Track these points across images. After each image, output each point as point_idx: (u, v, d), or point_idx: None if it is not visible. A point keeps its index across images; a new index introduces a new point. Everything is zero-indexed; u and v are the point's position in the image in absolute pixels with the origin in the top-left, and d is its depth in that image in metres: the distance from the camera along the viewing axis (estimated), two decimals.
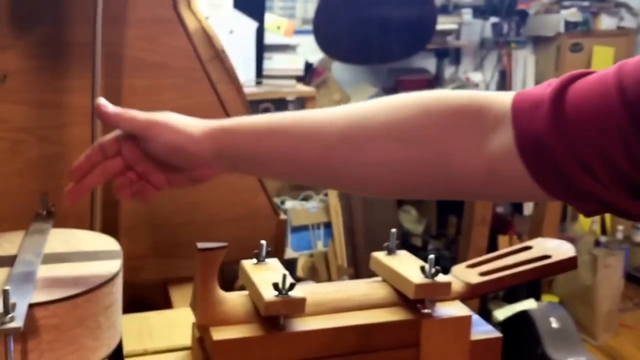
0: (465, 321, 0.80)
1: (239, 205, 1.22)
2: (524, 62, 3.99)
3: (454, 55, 3.93)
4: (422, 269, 0.78)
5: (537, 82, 3.77)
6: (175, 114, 0.77)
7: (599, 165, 0.58)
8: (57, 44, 1.04)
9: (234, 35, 3.05)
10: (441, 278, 0.78)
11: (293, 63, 3.37)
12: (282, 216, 1.28)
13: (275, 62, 3.34)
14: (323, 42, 2.61)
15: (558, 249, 0.86)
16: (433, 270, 0.78)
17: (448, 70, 3.85)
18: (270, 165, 0.74)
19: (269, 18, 3.21)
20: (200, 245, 0.75)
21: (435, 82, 3.67)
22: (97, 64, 1.01)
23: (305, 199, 3.30)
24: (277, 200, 3.29)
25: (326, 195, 3.23)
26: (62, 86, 1.04)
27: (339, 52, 2.71)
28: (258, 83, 3.13)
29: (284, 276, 0.75)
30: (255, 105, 1.80)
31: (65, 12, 1.02)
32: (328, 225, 3.20)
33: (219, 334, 0.76)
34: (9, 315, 0.55)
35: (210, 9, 2.78)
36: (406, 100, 0.69)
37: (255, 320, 0.78)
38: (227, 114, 1.14)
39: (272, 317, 0.76)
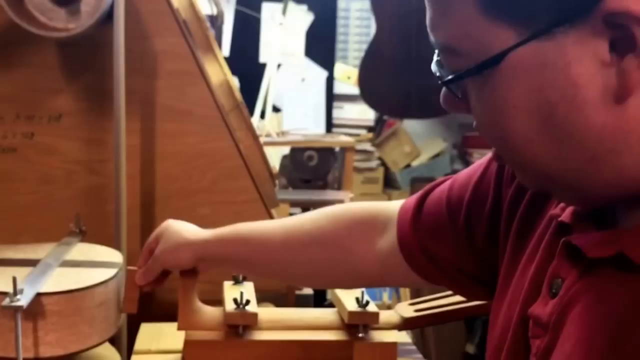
0: (392, 347, 0.96)
1: None
2: None
3: None
4: (357, 299, 0.96)
5: None
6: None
7: (440, 259, 0.77)
8: (103, 90, 1.29)
9: (305, 83, 3.30)
10: (371, 308, 0.96)
11: (364, 113, 3.56)
12: None
13: (346, 112, 3.54)
14: (366, 95, 2.82)
15: None
16: (364, 301, 0.96)
17: None
18: (238, 266, 0.97)
19: (339, 68, 3.44)
20: None
21: None
22: (120, 109, 1.24)
23: None
24: None
25: None
26: (107, 127, 1.29)
27: (382, 106, 2.91)
28: (328, 132, 3.35)
29: (242, 294, 0.95)
30: (301, 152, 2.01)
31: (108, 63, 1.26)
32: None
33: (191, 336, 0.97)
34: (17, 297, 0.78)
35: (282, 56, 3.02)
36: (325, 213, 0.90)
37: (222, 328, 0.98)
38: (242, 158, 1.35)
39: (234, 326, 0.96)
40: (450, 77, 0.55)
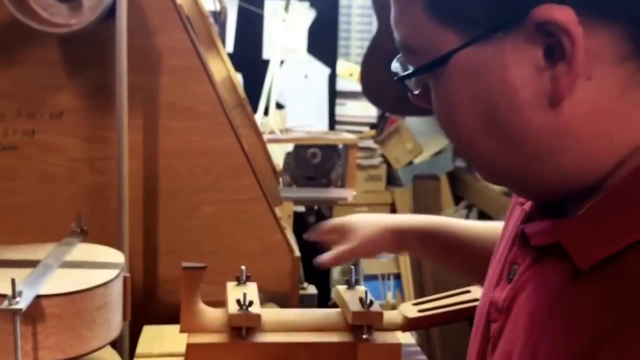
0: (396, 348, 0.95)
1: (257, 241, 1.39)
2: None
3: None
4: (361, 300, 0.95)
5: None
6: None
7: None
8: (105, 87, 1.28)
9: (308, 80, 3.28)
10: (375, 308, 0.94)
11: (366, 110, 3.54)
12: (297, 253, 1.44)
13: (348, 109, 3.52)
14: (368, 92, 2.81)
15: None
16: (369, 301, 0.94)
17: None
18: (436, 262, 1.04)
19: (342, 65, 3.42)
20: (185, 264, 0.95)
21: None
22: (122, 106, 1.23)
23: None
24: None
25: None
26: (110, 124, 1.28)
27: (384, 103, 2.89)
28: (331, 129, 3.33)
29: (244, 295, 0.93)
30: (304, 150, 2.00)
31: (110, 59, 1.24)
32: (398, 277, 3.24)
33: (193, 338, 0.95)
34: (16, 299, 0.77)
35: (284, 53, 3.00)
36: None
37: (225, 330, 0.96)
38: (246, 155, 1.34)
39: (237, 328, 0.94)
40: (403, 74, 0.59)
